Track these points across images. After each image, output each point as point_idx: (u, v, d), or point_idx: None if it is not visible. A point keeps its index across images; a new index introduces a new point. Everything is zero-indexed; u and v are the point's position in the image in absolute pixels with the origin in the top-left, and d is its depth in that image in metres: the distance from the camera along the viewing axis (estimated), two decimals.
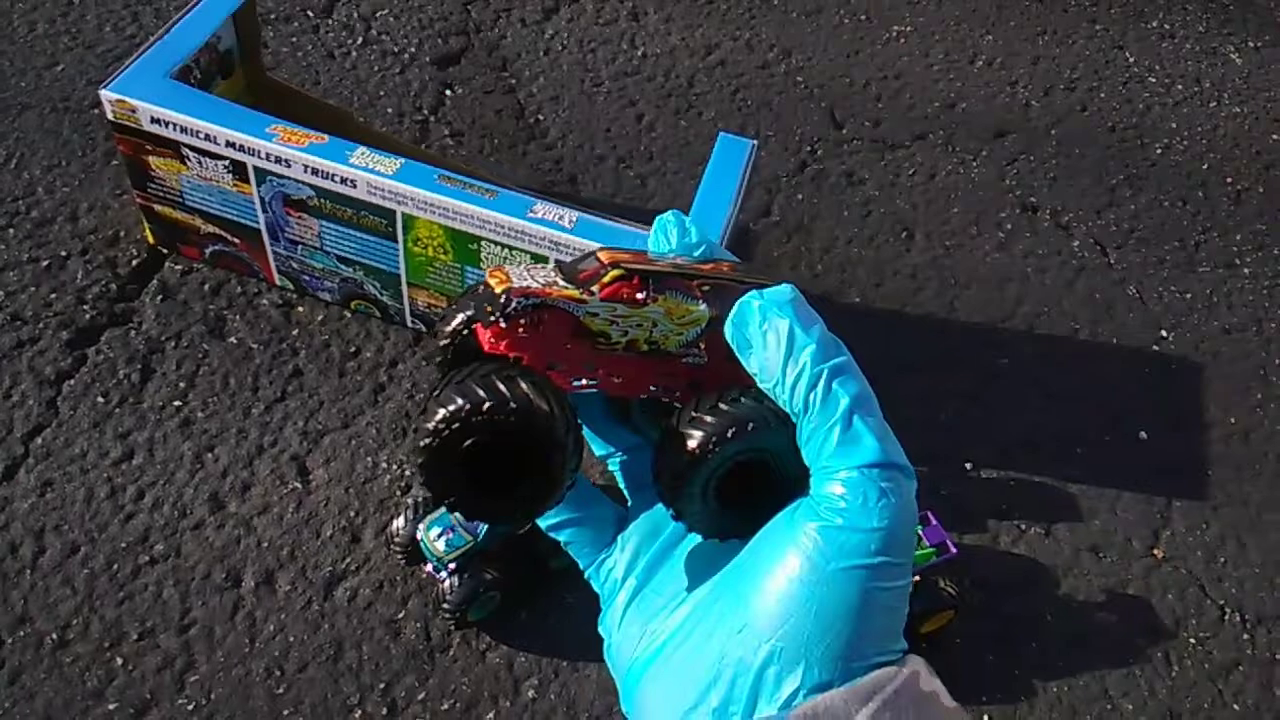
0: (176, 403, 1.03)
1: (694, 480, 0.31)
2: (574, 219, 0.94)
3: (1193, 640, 1.00)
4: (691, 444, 0.31)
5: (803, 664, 0.28)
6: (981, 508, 1.06)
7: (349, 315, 1.12)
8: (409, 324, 1.11)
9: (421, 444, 0.30)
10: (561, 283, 0.31)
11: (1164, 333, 1.26)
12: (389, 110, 1.36)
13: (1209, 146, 1.52)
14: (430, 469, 0.30)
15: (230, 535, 0.94)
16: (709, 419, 0.31)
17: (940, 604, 0.93)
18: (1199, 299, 1.31)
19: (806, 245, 1.29)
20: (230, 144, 0.98)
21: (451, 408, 0.29)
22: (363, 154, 0.97)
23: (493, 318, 0.30)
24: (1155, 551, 1.06)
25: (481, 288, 0.32)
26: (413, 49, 1.45)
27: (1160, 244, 1.37)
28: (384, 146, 1.00)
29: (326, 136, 0.98)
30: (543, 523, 0.35)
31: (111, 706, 0.83)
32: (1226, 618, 1.01)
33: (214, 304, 1.12)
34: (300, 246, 1.06)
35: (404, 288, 1.06)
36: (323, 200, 0.99)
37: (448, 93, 1.41)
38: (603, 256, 0.32)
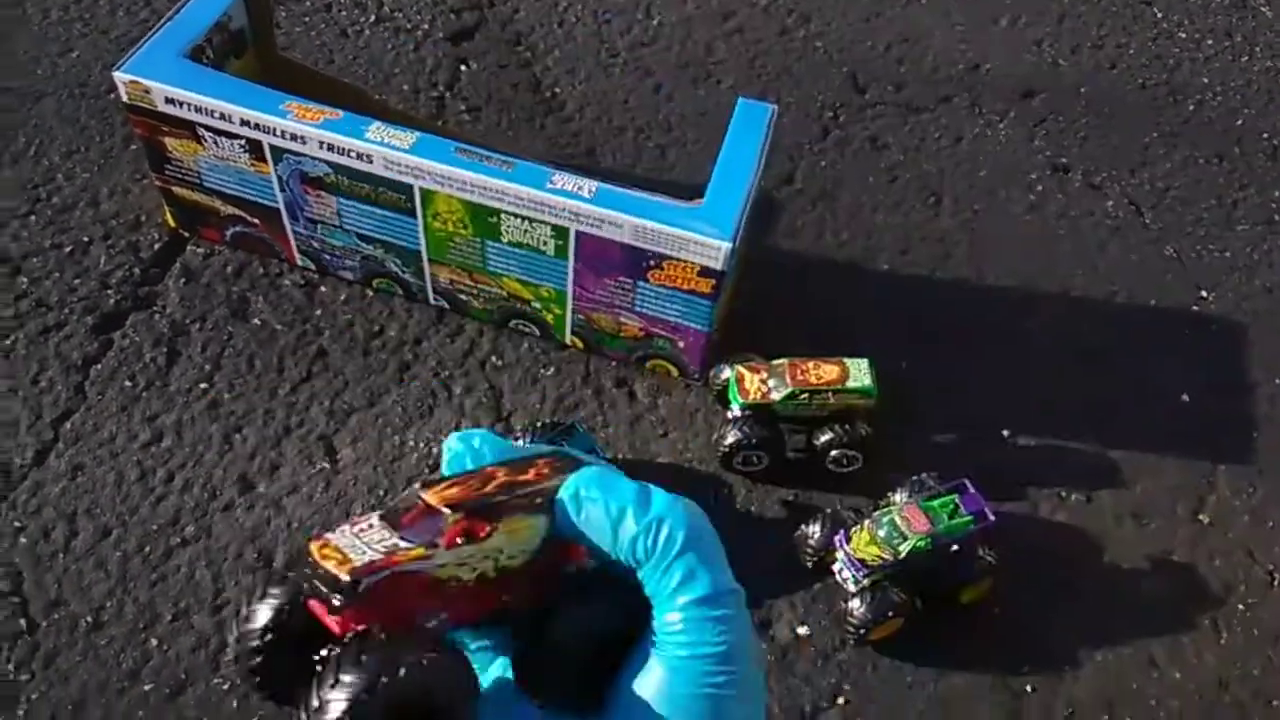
0: (203, 385, 1.02)
1: (566, 673, 0.32)
2: (594, 189, 0.93)
3: (1241, 606, 0.97)
4: (565, 640, 0.32)
5: None
6: (1020, 475, 1.04)
7: (371, 294, 1.11)
8: (432, 301, 1.10)
9: None
10: (402, 544, 0.29)
11: (1203, 293, 1.23)
12: (404, 87, 1.35)
13: (1243, 101, 1.48)
14: None
15: (260, 516, 0.94)
16: (572, 617, 0.32)
17: (980, 573, 0.91)
18: (1239, 257, 1.27)
19: (831, 212, 1.27)
20: (245, 122, 0.97)
21: (350, 696, 0.27)
22: (379, 129, 0.95)
23: (340, 604, 0.28)
24: (1200, 517, 1.03)
25: (290, 575, 0.30)
26: (426, 25, 1.44)
27: (1197, 202, 1.33)
28: (401, 123, 0.98)
29: (341, 112, 0.96)
30: None
31: (147, 687, 0.83)
32: (1275, 583, 0.99)
33: (237, 286, 1.11)
34: (320, 225, 1.05)
35: (425, 264, 1.05)
36: (340, 177, 0.98)
37: (463, 68, 1.39)
38: (428, 497, 0.31)
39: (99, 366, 1.02)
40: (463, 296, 1.07)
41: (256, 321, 1.08)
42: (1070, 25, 1.57)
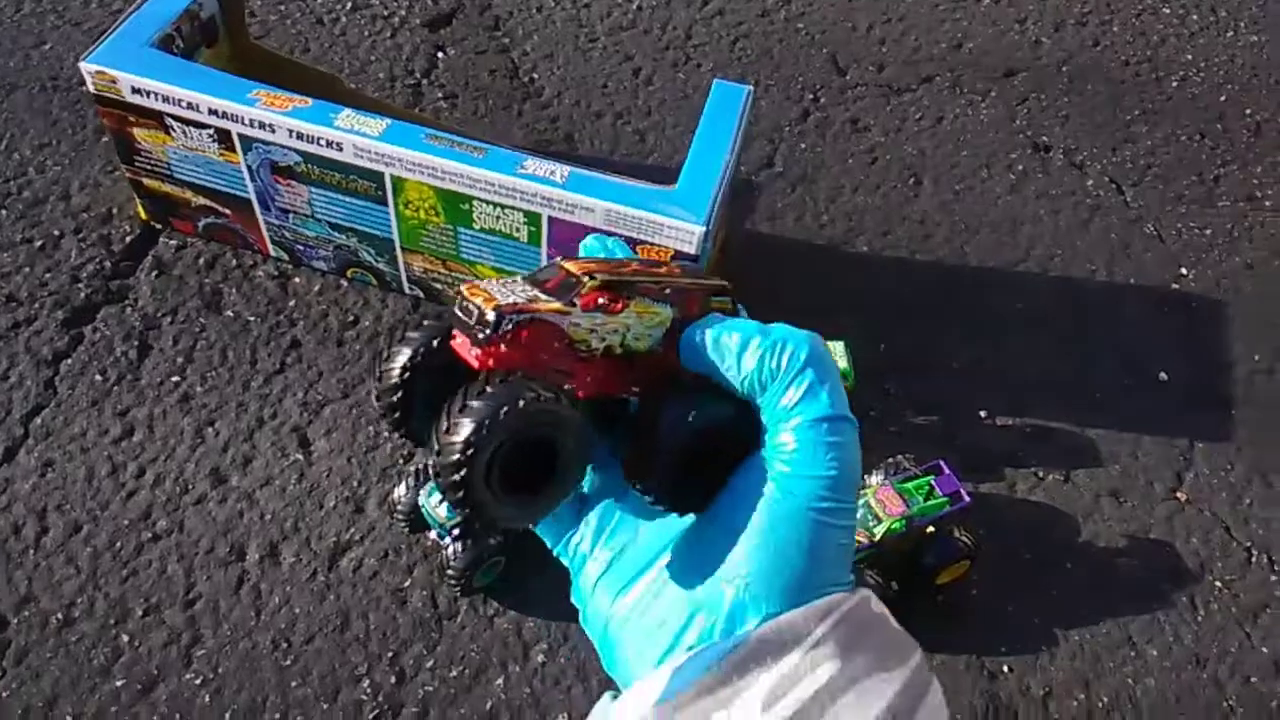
0: (175, 378, 1.02)
1: (663, 459, 0.33)
2: (565, 174, 0.92)
3: (1218, 583, 0.97)
4: (664, 425, 0.33)
5: (765, 598, 0.31)
6: (998, 455, 1.04)
7: (346, 284, 1.11)
8: (406, 290, 1.09)
9: (453, 459, 0.29)
10: (543, 296, 0.32)
11: (1183, 270, 1.23)
12: (380, 75, 1.34)
13: (1226, 77, 1.47)
14: (464, 484, 0.30)
15: (233, 509, 0.93)
16: (674, 404, 0.33)
17: (956, 554, 0.91)
18: (1219, 234, 1.27)
19: (811, 195, 1.26)
20: (213, 111, 0.96)
21: (477, 419, 0.30)
22: (348, 116, 0.94)
23: (484, 336, 0.31)
24: (1178, 494, 1.03)
25: (443, 315, 0.34)
26: (402, 12, 1.42)
27: (1178, 179, 1.33)
28: (375, 111, 0.97)
29: (310, 100, 0.95)
30: None
31: (119, 683, 0.82)
32: (1253, 559, 0.99)
33: (209, 278, 1.10)
34: (292, 215, 1.04)
35: (399, 253, 1.04)
36: (310, 166, 0.97)
37: (440, 55, 1.38)
38: (570, 266, 0.34)
39: (69, 361, 1.02)
40: (437, 285, 1.07)
41: (229, 313, 1.07)
42: (1054, 3, 1.56)
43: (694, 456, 0.33)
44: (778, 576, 0.31)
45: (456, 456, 0.29)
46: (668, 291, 0.34)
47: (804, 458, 0.31)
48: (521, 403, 0.30)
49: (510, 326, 0.31)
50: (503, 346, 0.31)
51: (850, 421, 0.32)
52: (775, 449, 0.32)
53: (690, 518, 0.35)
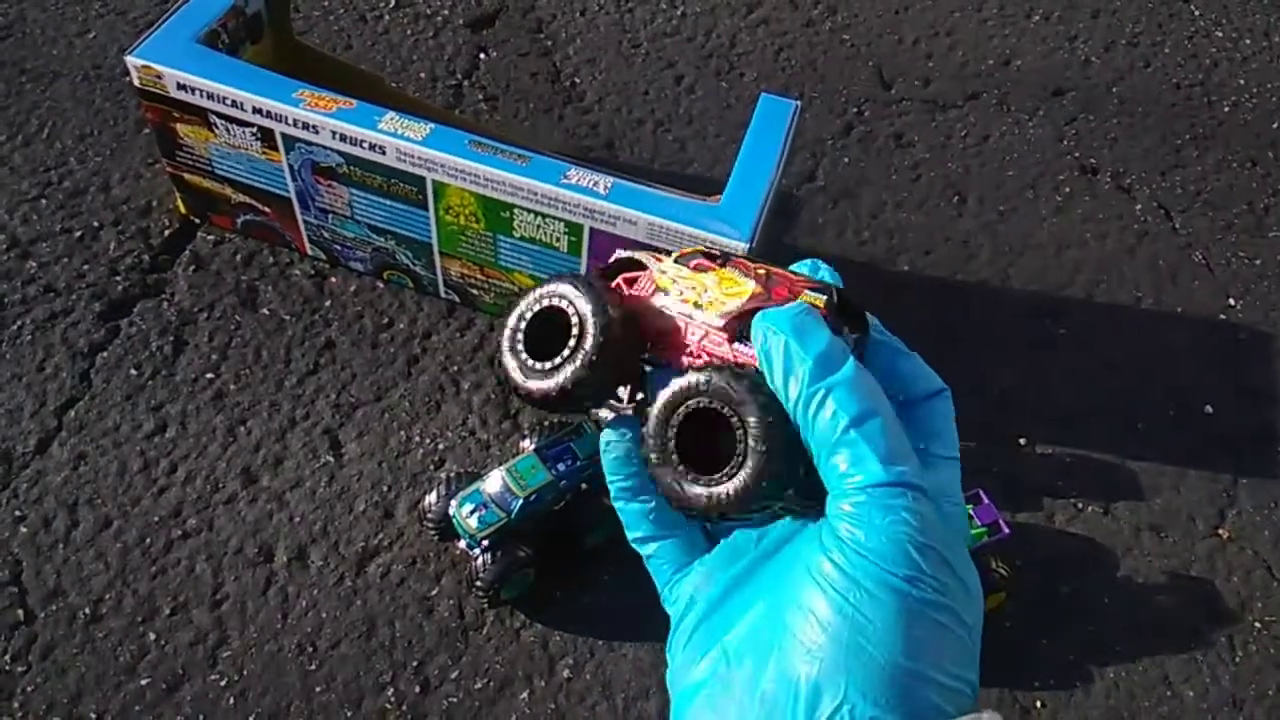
0: (209, 375, 1.01)
1: (654, 434, 0.34)
2: (609, 185, 0.91)
3: (1258, 624, 0.95)
4: (655, 407, 0.34)
5: (844, 679, 0.28)
6: (1036, 485, 1.02)
7: (382, 286, 1.10)
8: (443, 295, 1.08)
9: (510, 325, 0.37)
10: (664, 253, 0.37)
11: (1231, 301, 1.20)
12: (422, 75, 1.33)
13: (1279, 104, 1.44)
14: (513, 347, 0.36)
15: (263, 510, 0.93)
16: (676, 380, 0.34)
17: (991, 585, 0.89)
18: (1269, 265, 1.24)
19: (853, 210, 1.25)
20: (257, 110, 0.95)
21: (520, 303, 0.37)
22: (392, 119, 0.94)
23: (603, 268, 0.38)
24: (1220, 531, 1.00)
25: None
26: (446, 11, 1.42)
27: (1228, 207, 1.30)
28: (416, 111, 0.97)
29: (355, 102, 0.95)
30: (630, 534, 0.36)
31: (144, 681, 0.82)
32: None
33: (246, 275, 1.10)
34: (331, 215, 1.04)
35: (436, 257, 1.03)
36: (352, 167, 0.97)
37: (482, 56, 1.37)
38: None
39: (105, 354, 1.02)
40: (474, 290, 1.06)
41: (265, 311, 1.07)
42: (1105, 21, 1.53)
43: (699, 439, 0.33)
44: (854, 658, 0.28)
45: (513, 323, 0.36)
46: (761, 272, 0.35)
47: (860, 529, 0.29)
48: (536, 295, 0.36)
49: (613, 264, 0.37)
50: (623, 283, 0.36)
51: (913, 486, 0.29)
52: (832, 516, 0.30)
53: (796, 585, 0.32)
